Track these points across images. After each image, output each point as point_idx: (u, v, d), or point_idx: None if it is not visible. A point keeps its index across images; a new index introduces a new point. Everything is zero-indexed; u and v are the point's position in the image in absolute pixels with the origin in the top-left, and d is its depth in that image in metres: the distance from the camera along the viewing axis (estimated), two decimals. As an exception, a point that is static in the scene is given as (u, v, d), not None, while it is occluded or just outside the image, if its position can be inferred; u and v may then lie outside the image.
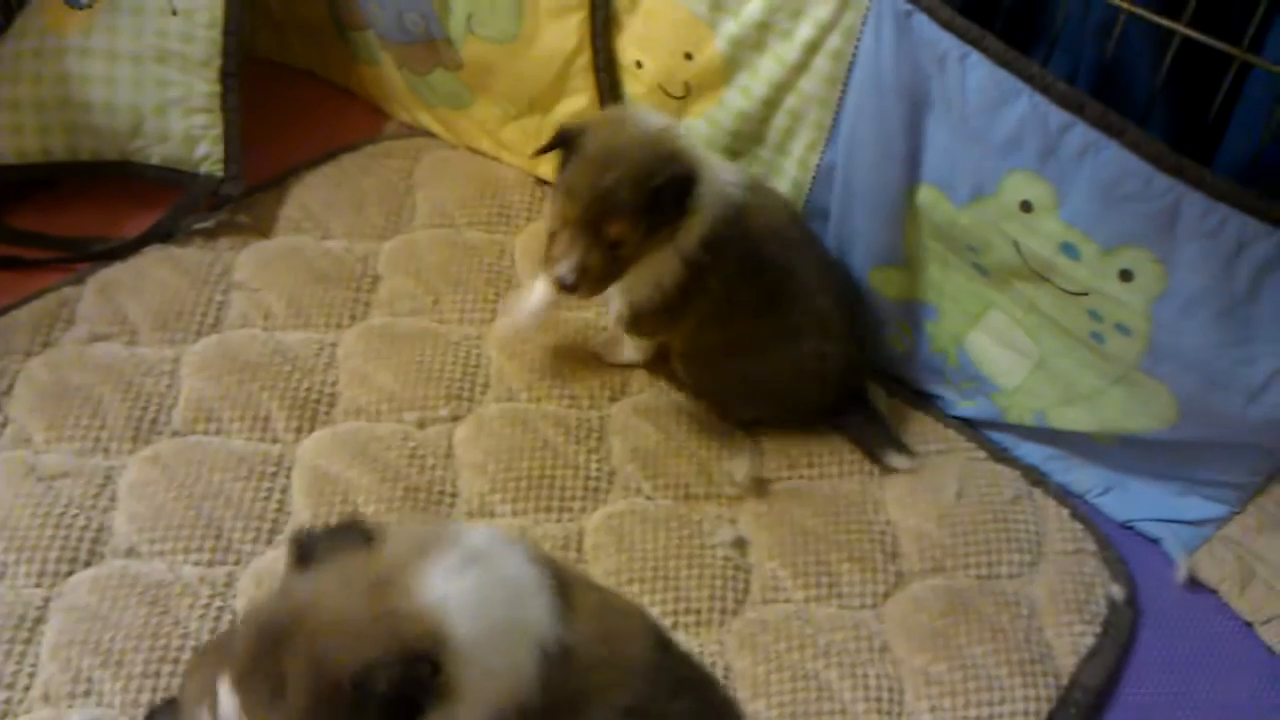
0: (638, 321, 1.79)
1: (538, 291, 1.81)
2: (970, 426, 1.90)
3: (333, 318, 1.92)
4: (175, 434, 1.75)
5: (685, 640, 1.58)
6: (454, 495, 1.73)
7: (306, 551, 1.10)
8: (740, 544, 1.70)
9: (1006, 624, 1.64)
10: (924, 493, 1.79)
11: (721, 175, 1.71)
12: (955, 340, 1.87)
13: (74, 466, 1.69)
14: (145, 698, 1.48)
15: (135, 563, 1.61)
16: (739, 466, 1.78)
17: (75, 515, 1.63)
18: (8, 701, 1.46)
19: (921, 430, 1.88)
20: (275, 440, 1.76)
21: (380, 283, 1.99)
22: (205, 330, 1.88)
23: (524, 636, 1.13)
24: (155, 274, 1.95)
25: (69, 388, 1.77)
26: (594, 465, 1.77)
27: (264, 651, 1.01)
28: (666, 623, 1.60)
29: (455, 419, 1.81)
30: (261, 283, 1.95)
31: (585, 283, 1.63)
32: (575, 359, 1.91)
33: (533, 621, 1.14)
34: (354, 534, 1.12)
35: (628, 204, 1.59)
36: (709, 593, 1.64)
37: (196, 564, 1.61)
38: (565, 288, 1.63)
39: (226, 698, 1.03)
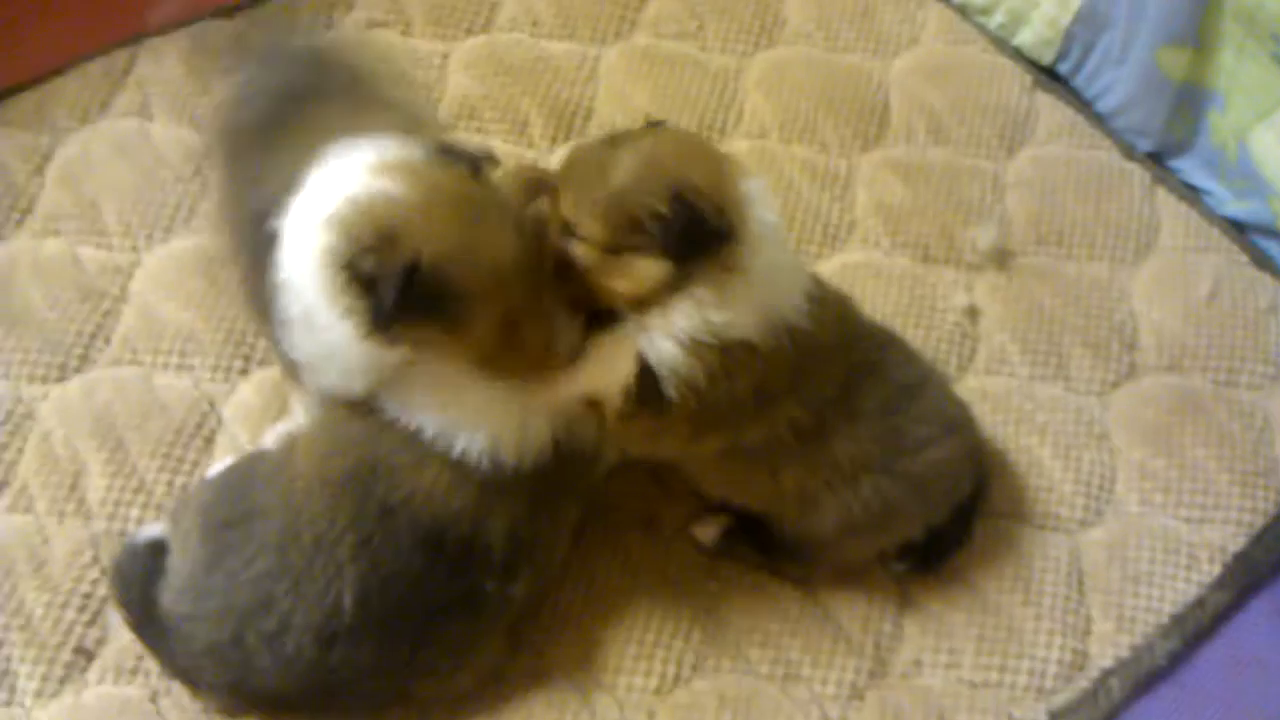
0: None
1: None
2: (1237, 228, 1.80)
3: (598, 32, 1.92)
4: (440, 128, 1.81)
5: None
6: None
7: None
8: (972, 312, 1.69)
9: (1237, 433, 1.61)
10: (1175, 288, 1.72)
11: None
12: (1238, 135, 1.75)
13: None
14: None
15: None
16: (984, 234, 1.74)
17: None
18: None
19: (1184, 225, 1.79)
20: (531, 145, 1.81)
21: (648, 2, 1.96)
22: (476, 30, 1.91)
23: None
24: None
25: (347, 70, 1.83)
26: (836, 213, 1.77)
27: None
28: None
29: (705, 149, 1.82)
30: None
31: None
32: (830, 104, 1.87)
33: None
34: None
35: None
36: (933, 355, 1.64)
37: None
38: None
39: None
